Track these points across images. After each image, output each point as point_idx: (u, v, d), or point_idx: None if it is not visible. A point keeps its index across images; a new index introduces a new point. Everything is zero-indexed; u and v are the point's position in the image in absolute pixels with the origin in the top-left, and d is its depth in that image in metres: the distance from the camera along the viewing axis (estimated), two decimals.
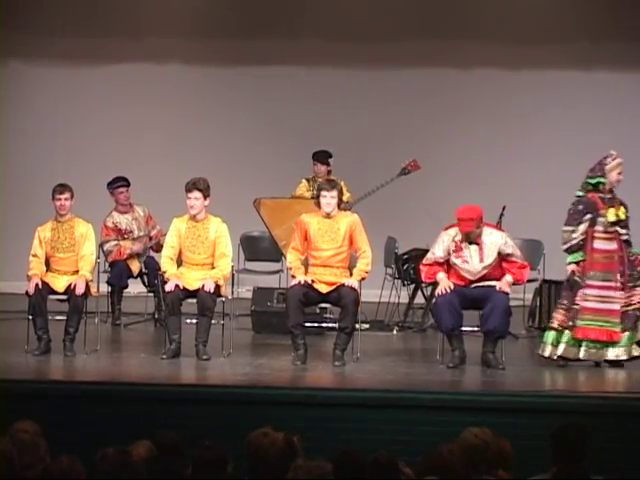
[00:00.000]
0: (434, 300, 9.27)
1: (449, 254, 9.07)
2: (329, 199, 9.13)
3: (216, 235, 9.36)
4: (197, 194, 9.21)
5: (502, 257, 9.07)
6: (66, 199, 9.48)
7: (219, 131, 12.89)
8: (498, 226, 9.75)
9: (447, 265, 9.11)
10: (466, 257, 9.06)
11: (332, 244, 9.20)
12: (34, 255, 9.44)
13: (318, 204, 9.25)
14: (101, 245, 10.70)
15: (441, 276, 9.04)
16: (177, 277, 9.20)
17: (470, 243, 9.06)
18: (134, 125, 12.92)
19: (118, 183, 10.96)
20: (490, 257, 9.06)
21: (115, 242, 10.81)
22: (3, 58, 13.15)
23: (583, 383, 8.94)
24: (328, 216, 9.19)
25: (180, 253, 9.38)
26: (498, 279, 9.03)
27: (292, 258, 9.32)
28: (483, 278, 9.06)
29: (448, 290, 8.95)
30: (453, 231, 9.14)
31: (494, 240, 9.12)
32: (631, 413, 7.73)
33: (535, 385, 8.77)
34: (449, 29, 12.72)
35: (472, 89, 12.83)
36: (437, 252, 9.13)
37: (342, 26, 12.80)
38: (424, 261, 9.25)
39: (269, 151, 12.58)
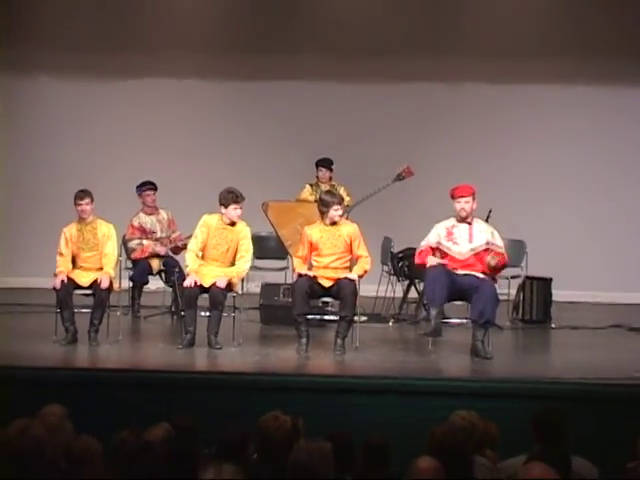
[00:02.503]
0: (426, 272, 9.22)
1: (440, 240, 9.12)
2: (338, 211, 9.22)
3: (239, 237, 9.40)
4: (240, 205, 9.31)
5: (488, 247, 9.08)
6: (87, 204, 9.48)
7: (229, 140, 12.87)
8: None
9: (439, 252, 9.12)
10: (456, 239, 9.12)
11: (334, 250, 9.26)
12: (60, 254, 9.45)
13: (322, 213, 9.29)
14: (126, 242, 10.73)
15: (431, 258, 9.03)
16: (196, 274, 9.21)
17: (462, 221, 9.12)
18: (150, 135, 12.89)
19: (146, 186, 10.94)
20: (478, 241, 9.10)
21: (139, 241, 10.80)
22: (31, 72, 13.16)
23: (562, 371, 8.93)
24: (332, 224, 9.24)
25: (204, 246, 9.40)
26: (483, 273, 9.04)
27: (298, 264, 9.38)
28: (470, 266, 9.06)
29: (439, 263, 8.97)
30: (446, 221, 9.20)
31: (483, 229, 9.21)
32: (606, 399, 7.74)
33: (519, 373, 8.77)
34: (440, 46, 12.69)
35: (461, 102, 12.82)
36: (431, 239, 9.19)
37: (340, 44, 12.77)
38: (419, 247, 9.27)
39: (275, 158, 12.57)
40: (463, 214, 9.11)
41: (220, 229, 9.36)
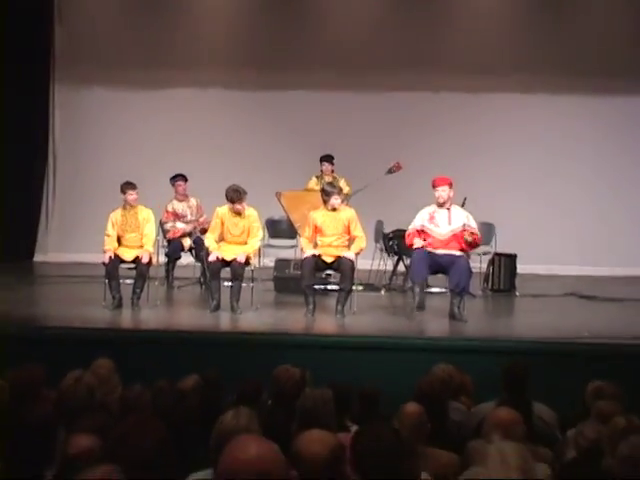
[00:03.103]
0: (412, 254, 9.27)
1: (424, 224, 9.10)
2: (337, 200, 9.24)
3: (250, 221, 9.40)
4: (244, 202, 9.30)
5: (464, 228, 9.05)
6: (134, 194, 9.53)
7: (248, 141, 12.83)
8: None
9: (423, 234, 9.10)
10: (437, 222, 9.10)
11: (335, 231, 9.26)
12: (107, 235, 9.48)
13: (324, 201, 9.28)
14: (162, 224, 10.73)
15: (417, 241, 9.02)
16: (218, 250, 9.22)
17: (441, 206, 9.10)
18: (182, 136, 12.85)
19: (178, 178, 10.92)
20: (456, 223, 9.08)
21: (172, 223, 10.79)
22: (83, 85, 13.17)
23: (525, 331, 8.92)
24: (333, 210, 9.23)
25: (221, 232, 9.40)
26: (461, 249, 9.03)
27: (305, 243, 9.38)
28: (448, 246, 9.03)
29: (422, 245, 8.97)
30: (428, 208, 9.19)
31: (460, 214, 9.19)
32: (562, 355, 7.73)
33: (489, 333, 8.76)
34: (424, 62, 12.72)
35: (441, 109, 12.81)
36: (416, 223, 9.17)
37: (341, 60, 12.78)
38: (407, 230, 9.26)
39: (288, 156, 12.53)
40: (441, 200, 9.11)
41: (232, 217, 9.36)
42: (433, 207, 9.19)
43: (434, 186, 9.15)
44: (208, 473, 3.33)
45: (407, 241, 9.30)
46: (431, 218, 9.14)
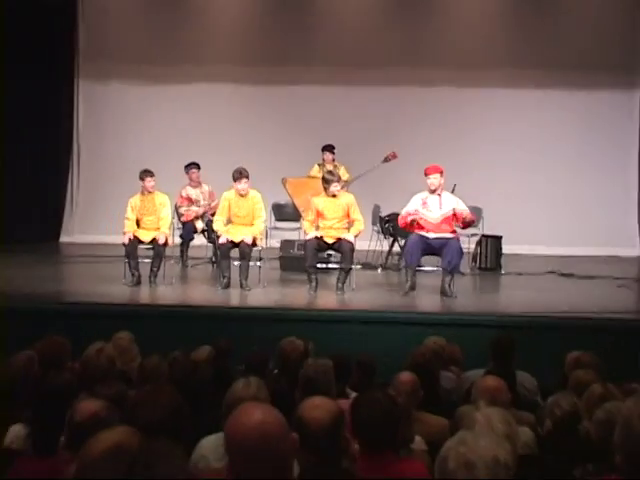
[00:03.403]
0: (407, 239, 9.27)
1: (417, 208, 9.07)
2: (337, 187, 9.18)
3: (254, 203, 9.38)
4: (246, 180, 9.24)
5: (455, 213, 9.03)
6: (152, 181, 9.52)
7: (257, 131, 12.79)
8: None
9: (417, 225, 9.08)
10: (429, 207, 9.08)
11: (335, 215, 9.22)
12: (127, 218, 9.48)
13: (325, 188, 9.23)
14: (177, 208, 10.70)
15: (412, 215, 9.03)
16: (227, 233, 9.20)
17: (432, 193, 9.06)
18: (196, 127, 12.82)
19: (191, 166, 10.89)
20: (446, 208, 9.06)
21: (186, 208, 10.77)
22: (105, 80, 13.14)
23: (510, 306, 8.91)
24: (333, 196, 9.19)
25: (229, 215, 9.40)
26: (451, 232, 9.01)
27: (307, 226, 9.36)
28: (440, 228, 9.01)
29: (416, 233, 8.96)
30: (421, 193, 9.16)
31: (450, 199, 9.18)
32: (543, 328, 7.74)
33: (477, 308, 8.76)
34: (416, 59, 12.74)
35: (433, 103, 12.78)
36: (410, 207, 9.14)
37: (340, 58, 12.77)
38: (401, 214, 9.24)
39: (292, 146, 12.48)
40: (432, 187, 9.08)
41: (237, 200, 9.34)
42: (425, 193, 9.16)
43: (426, 174, 9.12)
44: (219, 437, 3.32)
45: (401, 223, 9.30)
46: (424, 203, 9.12)
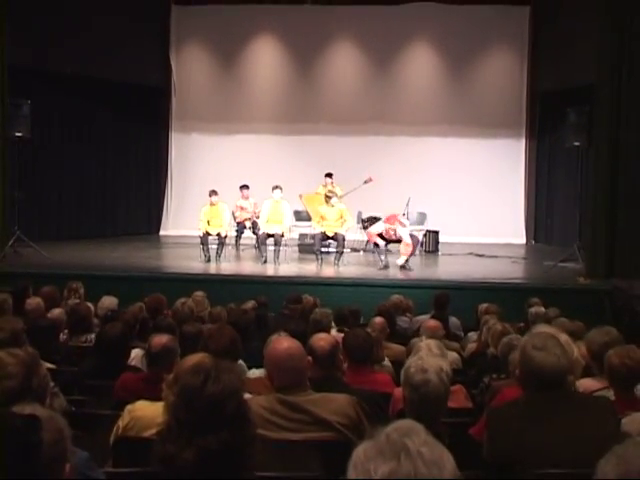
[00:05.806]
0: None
1: (381, 233, 8.91)
2: (335, 200, 9.20)
3: (282, 207, 9.39)
4: (279, 190, 9.32)
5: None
6: (216, 197, 9.48)
7: (285, 166, 12.51)
8: (403, 219, 9.19)
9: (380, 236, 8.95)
10: (390, 236, 8.92)
11: (333, 217, 9.18)
12: (201, 220, 9.40)
13: (326, 201, 9.23)
14: (233, 213, 10.52)
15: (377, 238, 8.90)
16: (265, 228, 9.20)
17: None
18: (245, 164, 12.44)
19: (243, 186, 10.66)
20: (401, 235, 8.87)
21: (239, 213, 10.69)
22: (188, 132, 13.02)
23: (445, 275, 8.86)
24: (332, 206, 9.17)
25: (267, 215, 9.37)
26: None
27: (315, 224, 9.35)
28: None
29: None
30: (384, 224, 8.96)
31: (403, 230, 8.92)
32: (467, 289, 7.67)
33: (424, 276, 8.69)
34: (382, 114, 12.50)
35: (396, 147, 12.54)
36: (375, 229, 8.98)
37: (336, 115, 12.61)
38: (369, 231, 9.06)
39: (307, 173, 12.13)
40: (391, 232, 8.87)
41: (273, 205, 9.34)
42: (385, 226, 8.89)
43: (387, 219, 8.93)
44: (262, 371, 3.28)
45: (368, 238, 9.19)
46: (387, 232, 8.89)
